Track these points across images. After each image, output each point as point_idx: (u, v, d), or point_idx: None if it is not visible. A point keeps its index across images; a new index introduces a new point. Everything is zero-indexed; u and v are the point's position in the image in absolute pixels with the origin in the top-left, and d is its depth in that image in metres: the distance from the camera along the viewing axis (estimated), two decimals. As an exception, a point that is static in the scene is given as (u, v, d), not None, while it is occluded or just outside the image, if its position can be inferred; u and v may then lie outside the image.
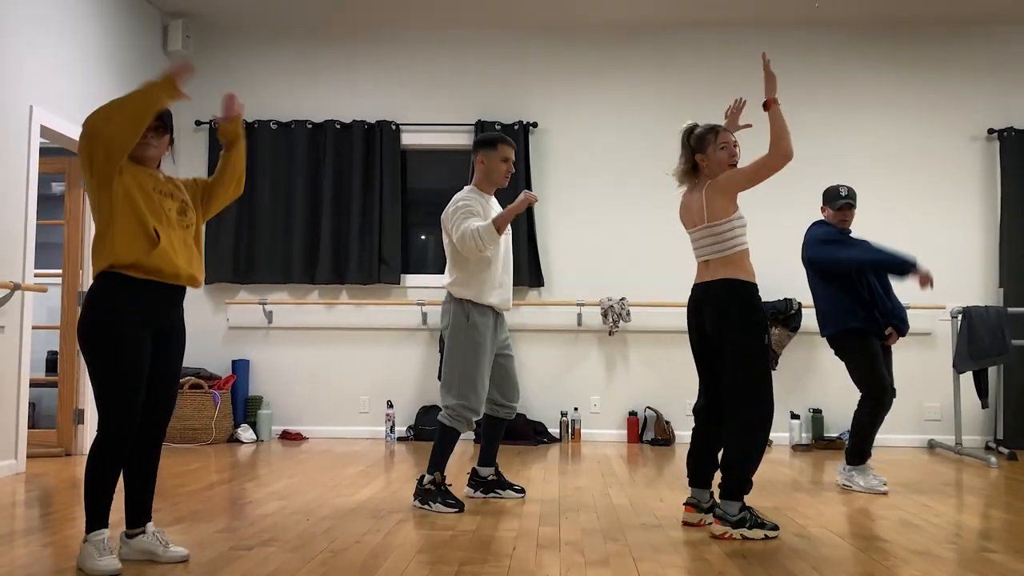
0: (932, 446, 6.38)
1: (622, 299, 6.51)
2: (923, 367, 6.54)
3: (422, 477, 3.83)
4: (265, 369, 6.74)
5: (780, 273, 6.54)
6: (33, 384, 5.89)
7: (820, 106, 6.75)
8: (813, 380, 6.52)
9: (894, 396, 4.34)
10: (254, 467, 5.07)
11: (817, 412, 6.40)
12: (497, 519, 3.56)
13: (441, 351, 6.49)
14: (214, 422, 6.25)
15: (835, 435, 6.39)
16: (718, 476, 4.48)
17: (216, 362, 6.73)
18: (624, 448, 6.18)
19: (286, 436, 6.58)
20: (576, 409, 6.59)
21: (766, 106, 3.31)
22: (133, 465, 2.88)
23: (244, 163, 3.12)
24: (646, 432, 6.55)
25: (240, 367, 6.61)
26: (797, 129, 6.72)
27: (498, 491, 4.08)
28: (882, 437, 6.46)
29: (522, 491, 4.09)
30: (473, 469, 4.15)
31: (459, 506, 3.70)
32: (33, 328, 5.27)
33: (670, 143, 6.70)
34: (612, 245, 6.72)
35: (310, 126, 6.78)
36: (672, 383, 6.61)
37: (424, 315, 6.65)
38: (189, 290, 6.73)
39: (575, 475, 4.84)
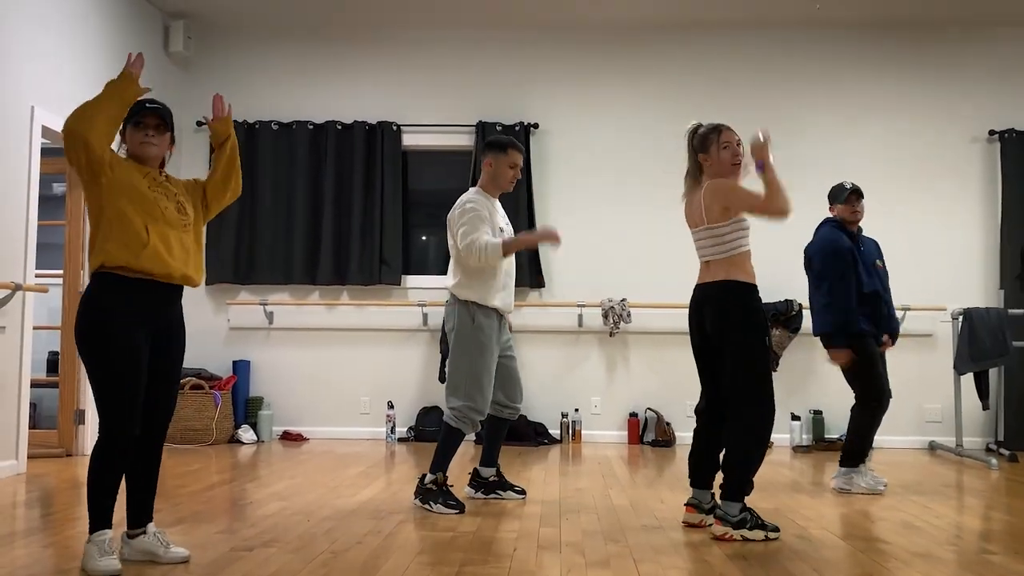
0: (933, 448, 6.38)
1: (623, 300, 6.51)
2: (924, 369, 6.54)
3: (424, 476, 3.83)
4: (266, 370, 6.74)
5: (781, 274, 6.54)
6: (34, 384, 5.89)
7: (821, 107, 6.75)
8: (814, 381, 6.52)
9: (890, 398, 4.33)
10: (255, 468, 5.07)
11: (818, 413, 6.40)
12: (498, 520, 3.56)
13: (442, 352, 6.52)
14: (215, 423, 6.25)
15: (835, 436, 6.39)
16: (719, 478, 4.48)
17: (217, 363, 6.73)
18: (625, 449, 6.18)
19: (287, 437, 6.58)
20: (577, 410, 6.59)
21: (760, 167, 3.24)
22: (135, 465, 2.88)
23: (238, 160, 3.13)
24: (647, 433, 6.55)
25: (241, 368, 6.62)
26: (798, 130, 6.73)
27: (499, 492, 4.08)
28: (883, 439, 6.46)
29: (523, 492, 4.09)
30: (475, 470, 4.15)
31: (460, 507, 3.70)
32: (34, 328, 5.27)
33: (670, 143, 6.70)
34: (613, 246, 6.72)
35: (311, 127, 6.78)
36: (673, 384, 6.61)
37: (425, 316, 6.65)
38: (189, 290, 6.73)
39: (576, 476, 4.84)
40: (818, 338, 4.40)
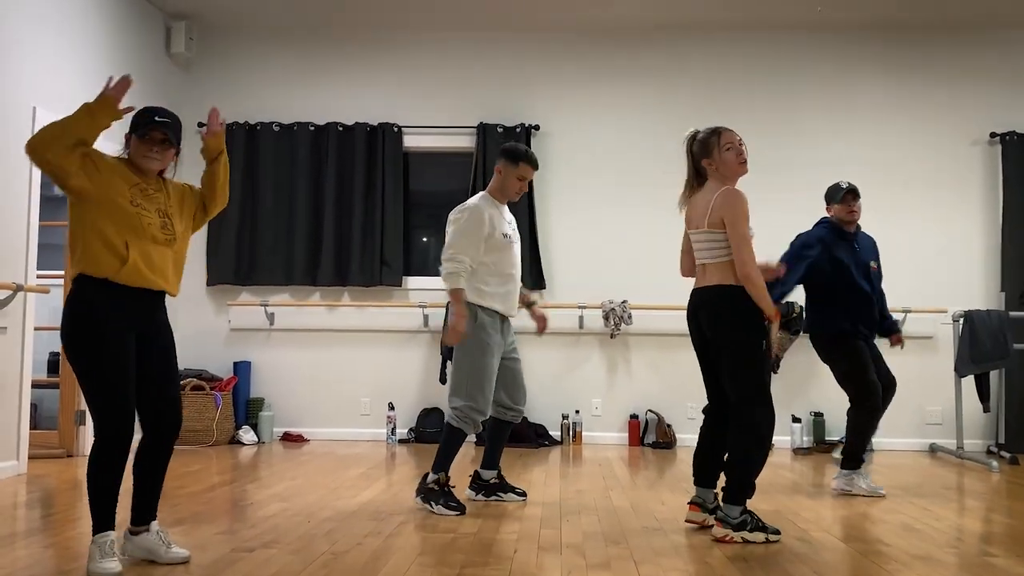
0: (933, 450, 6.37)
1: (624, 302, 6.51)
2: (924, 371, 6.54)
3: (426, 475, 3.83)
4: (267, 371, 6.74)
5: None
6: (35, 385, 5.88)
7: (822, 109, 6.75)
8: (814, 384, 6.52)
9: (894, 390, 4.34)
10: (255, 469, 5.08)
11: (818, 415, 6.40)
12: (498, 522, 3.56)
13: (442, 354, 6.52)
14: (215, 424, 6.25)
15: (836, 438, 6.38)
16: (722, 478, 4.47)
17: (218, 364, 6.73)
18: (625, 451, 6.18)
19: (287, 438, 6.58)
20: (577, 412, 6.59)
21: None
22: (143, 464, 2.88)
23: (227, 176, 3.14)
24: (647, 435, 6.55)
25: (242, 369, 6.62)
26: (798, 132, 6.73)
27: (500, 494, 4.08)
28: (883, 441, 6.46)
29: (524, 494, 4.09)
30: (476, 472, 4.14)
31: (460, 509, 3.70)
32: (35, 329, 5.27)
33: (671, 146, 6.70)
34: (614, 247, 6.72)
35: (312, 128, 6.78)
36: (674, 386, 6.61)
37: (426, 317, 6.66)
38: (190, 291, 6.74)
39: (576, 478, 4.84)
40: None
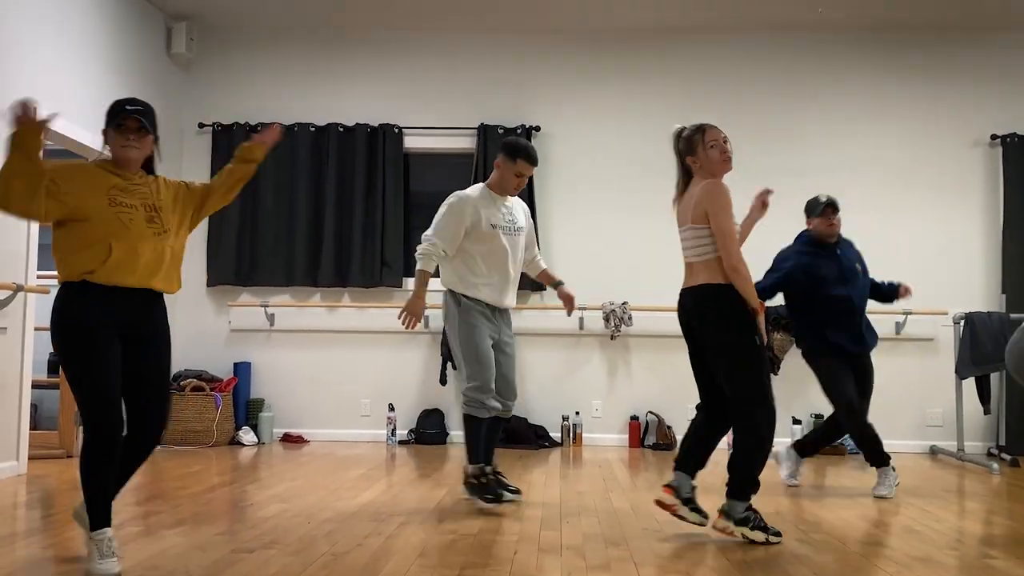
0: (934, 452, 6.37)
1: (624, 303, 6.51)
2: (925, 373, 6.54)
3: (465, 468, 3.91)
4: (267, 372, 6.74)
5: (782, 278, 6.53)
6: (35, 385, 5.88)
7: (822, 111, 6.75)
8: (814, 385, 6.51)
9: (861, 412, 4.33)
10: (255, 470, 5.07)
11: (819, 417, 6.40)
12: (499, 523, 3.56)
13: (442, 355, 6.52)
14: (215, 424, 6.25)
15: (837, 441, 6.36)
16: (719, 481, 4.46)
17: (218, 364, 6.73)
18: (625, 453, 6.18)
19: (287, 439, 6.58)
20: (578, 413, 6.59)
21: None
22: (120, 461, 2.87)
23: (247, 181, 3.16)
24: (647, 437, 6.54)
25: (242, 370, 6.62)
26: (799, 134, 6.73)
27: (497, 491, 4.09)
28: (884, 442, 6.43)
29: (518, 492, 4.09)
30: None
31: (496, 499, 3.76)
32: (35, 329, 5.27)
33: (671, 148, 6.68)
34: (614, 249, 6.72)
35: (313, 129, 6.79)
36: (674, 388, 6.61)
37: (426, 318, 6.65)
38: (191, 292, 6.73)
39: (576, 479, 4.83)
40: None
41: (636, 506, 4.01)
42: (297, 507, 3.87)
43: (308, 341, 6.76)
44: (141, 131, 2.85)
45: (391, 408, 6.52)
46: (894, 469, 4.40)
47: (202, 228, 6.79)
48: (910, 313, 6.45)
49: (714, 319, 3.26)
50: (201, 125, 6.85)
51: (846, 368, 4.40)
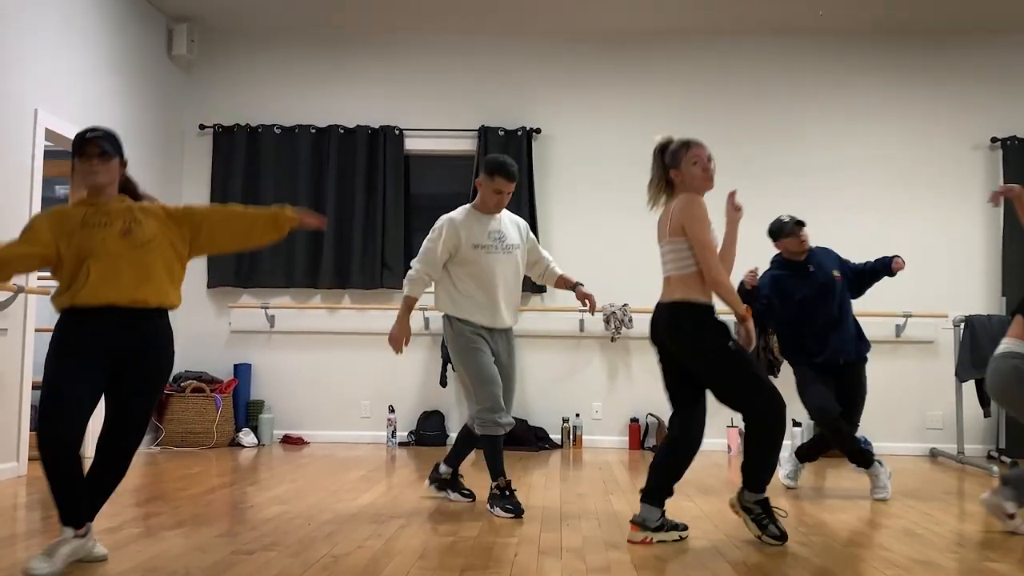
0: (934, 455, 6.37)
1: (624, 305, 6.51)
2: (925, 376, 6.54)
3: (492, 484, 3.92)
4: (267, 373, 6.74)
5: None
6: (35, 387, 5.88)
7: (822, 113, 6.76)
8: (815, 388, 6.51)
9: (834, 418, 4.30)
10: (255, 471, 5.07)
11: (819, 420, 6.39)
12: (499, 525, 3.56)
13: (442, 356, 6.53)
14: (215, 426, 6.25)
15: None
16: (719, 481, 4.46)
17: (218, 366, 6.73)
18: (625, 455, 6.18)
19: (287, 440, 6.58)
20: (578, 415, 6.59)
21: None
22: (94, 463, 2.88)
23: (262, 242, 3.11)
24: (648, 439, 6.54)
25: (242, 371, 6.62)
26: (799, 136, 6.73)
27: (449, 491, 4.16)
28: (884, 445, 6.45)
29: (471, 496, 4.12)
30: (436, 464, 4.22)
31: (516, 512, 3.73)
32: (36, 331, 5.27)
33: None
34: (614, 251, 6.72)
35: (314, 130, 6.79)
36: (674, 390, 6.60)
37: (426, 320, 6.65)
38: (191, 293, 6.71)
39: (576, 482, 4.83)
40: None
41: (636, 508, 4.00)
42: (297, 509, 3.87)
43: (308, 343, 6.77)
44: (103, 156, 2.83)
45: (391, 410, 6.52)
46: (881, 464, 4.39)
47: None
48: (910, 316, 6.45)
49: (689, 339, 3.23)
50: (202, 127, 6.85)
51: (825, 377, 4.43)
